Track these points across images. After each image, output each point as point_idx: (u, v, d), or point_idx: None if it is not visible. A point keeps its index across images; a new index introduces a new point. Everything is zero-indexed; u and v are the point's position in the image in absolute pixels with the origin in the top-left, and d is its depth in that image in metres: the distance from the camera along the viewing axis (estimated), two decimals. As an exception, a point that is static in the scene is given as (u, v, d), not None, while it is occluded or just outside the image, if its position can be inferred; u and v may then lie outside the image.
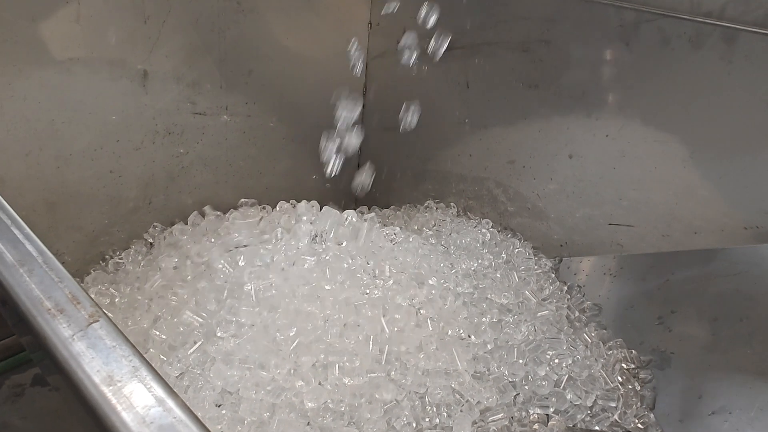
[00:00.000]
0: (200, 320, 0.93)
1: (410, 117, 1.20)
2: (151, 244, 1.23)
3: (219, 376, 0.87)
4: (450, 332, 0.99)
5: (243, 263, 1.01)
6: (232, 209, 1.30)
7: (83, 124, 1.13)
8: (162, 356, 0.90)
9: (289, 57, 1.37)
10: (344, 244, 1.06)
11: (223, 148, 1.35)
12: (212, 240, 1.13)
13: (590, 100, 1.14)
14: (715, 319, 0.99)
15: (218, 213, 1.28)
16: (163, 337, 0.93)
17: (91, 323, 0.43)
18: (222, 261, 1.02)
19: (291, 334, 0.91)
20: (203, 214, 1.29)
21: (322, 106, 1.45)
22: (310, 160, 1.51)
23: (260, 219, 1.19)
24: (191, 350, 0.90)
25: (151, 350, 0.91)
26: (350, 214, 1.11)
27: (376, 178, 1.34)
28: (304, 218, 1.10)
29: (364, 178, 1.25)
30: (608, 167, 1.15)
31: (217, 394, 0.87)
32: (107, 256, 1.21)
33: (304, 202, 1.19)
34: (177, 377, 0.88)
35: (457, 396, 0.91)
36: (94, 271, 1.18)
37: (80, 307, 0.45)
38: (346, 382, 0.90)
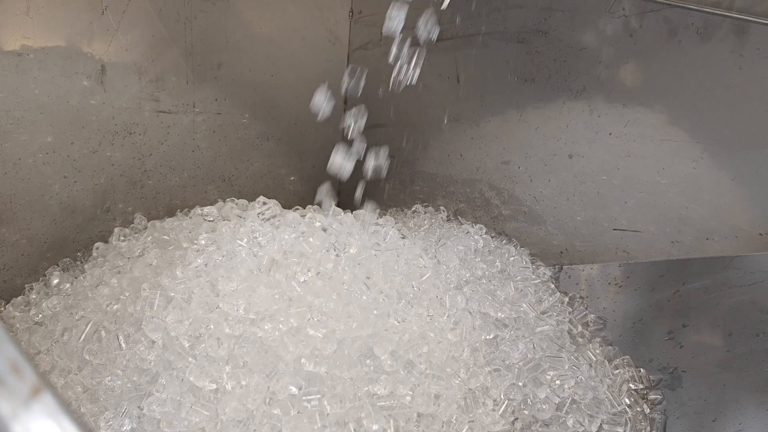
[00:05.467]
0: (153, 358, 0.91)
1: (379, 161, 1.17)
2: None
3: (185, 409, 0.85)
4: (439, 352, 0.97)
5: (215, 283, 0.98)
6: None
7: (34, 124, 1.11)
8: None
9: (262, 48, 1.36)
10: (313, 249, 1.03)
11: (190, 148, 1.33)
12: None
13: (592, 96, 1.14)
14: (729, 333, 0.99)
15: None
16: (119, 372, 0.90)
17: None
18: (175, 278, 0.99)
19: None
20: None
21: (299, 102, 1.44)
22: (287, 161, 1.49)
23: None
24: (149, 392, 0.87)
25: (107, 380, 0.89)
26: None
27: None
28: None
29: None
30: (612, 168, 1.15)
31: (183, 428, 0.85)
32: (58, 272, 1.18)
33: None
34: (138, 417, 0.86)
35: (447, 426, 0.89)
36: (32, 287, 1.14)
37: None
38: (329, 410, 0.87)
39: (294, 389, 0.87)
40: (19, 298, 1.12)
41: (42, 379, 0.41)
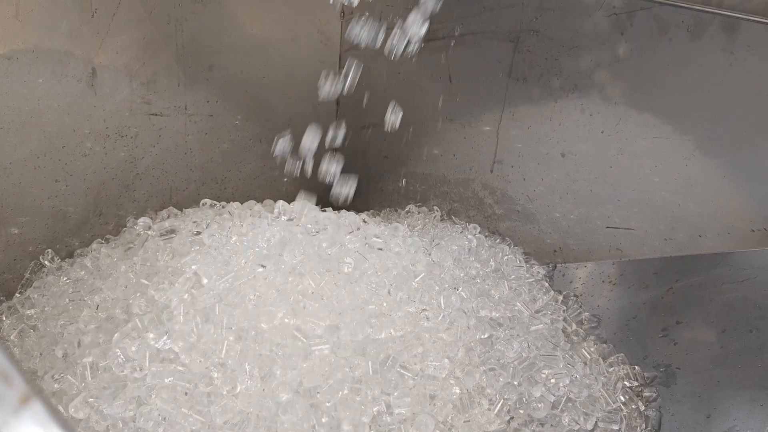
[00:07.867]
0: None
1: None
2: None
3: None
4: (434, 353, 0.96)
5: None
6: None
7: (24, 129, 1.10)
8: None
9: (254, 49, 1.35)
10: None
11: (182, 151, 1.32)
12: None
13: (584, 94, 1.14)
14: (723, 330, 0.99)
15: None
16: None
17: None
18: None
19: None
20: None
21: (291, 103, 1.44)
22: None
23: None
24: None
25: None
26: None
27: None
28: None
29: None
30: (605, 166, 1.15)
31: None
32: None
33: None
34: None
35: (443, 426, 0.89)
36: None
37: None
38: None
39: (286, 395, 0.87)
40: (11, 301, 1.11)
41: (31, 386, 0.40)
